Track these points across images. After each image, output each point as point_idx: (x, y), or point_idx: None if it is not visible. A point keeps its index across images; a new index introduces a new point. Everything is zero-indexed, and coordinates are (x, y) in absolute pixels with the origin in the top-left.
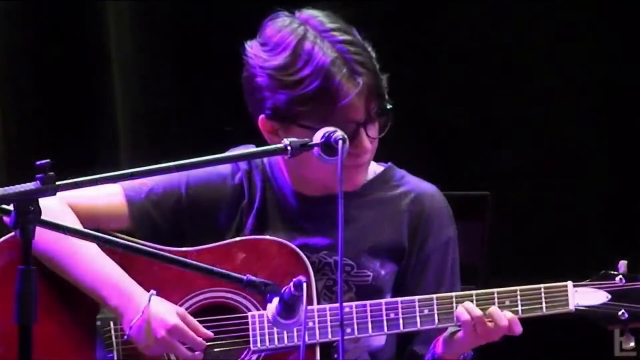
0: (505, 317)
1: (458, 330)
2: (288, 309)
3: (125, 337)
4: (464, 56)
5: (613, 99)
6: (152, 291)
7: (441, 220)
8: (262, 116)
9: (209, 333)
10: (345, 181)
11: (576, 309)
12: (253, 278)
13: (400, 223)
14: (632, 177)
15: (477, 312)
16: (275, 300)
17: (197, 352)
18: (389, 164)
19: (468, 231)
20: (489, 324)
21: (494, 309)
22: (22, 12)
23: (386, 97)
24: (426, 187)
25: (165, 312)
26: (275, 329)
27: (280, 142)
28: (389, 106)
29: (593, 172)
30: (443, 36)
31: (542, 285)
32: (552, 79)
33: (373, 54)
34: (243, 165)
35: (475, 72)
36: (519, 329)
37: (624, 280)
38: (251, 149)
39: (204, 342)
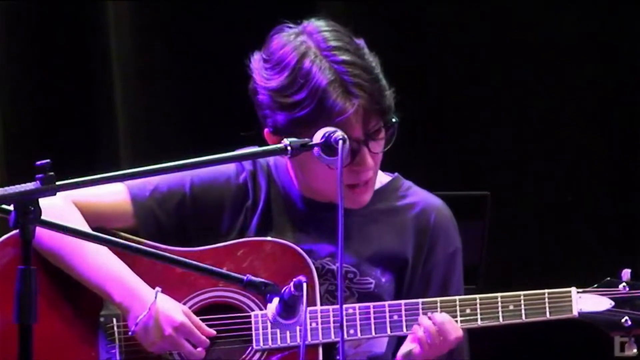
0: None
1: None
2: (288, 309)
3: (131, 332)
4: (464, 56)
5: (614, 99)
6: (158, 288)
7: (447, 233)
8: (266, 130)
9: (212, 331)
10: (351, 199)
11: (580, 315)
12: (253, 278)
13: (404, 234)
14: (633, 177)
15: (432, 327)
16: (276, 300)
17: (199, 349)
18: (396, 174)
19: (468, 231)
20: (439, 338)
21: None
22: (22, 12)
23: (391, 112)
24: (433, 200)
25: (172, 309)
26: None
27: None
28: (393, 120)
29: (593, 172)
30: (443, 36)
31: (546, 291)
32: (552, 79)
33: (377, 69)
34: (247, 165)
35: (475, 72)
36: (459, 333)
37: (627, 288)
38: (252, 148)
39: (207, 340)
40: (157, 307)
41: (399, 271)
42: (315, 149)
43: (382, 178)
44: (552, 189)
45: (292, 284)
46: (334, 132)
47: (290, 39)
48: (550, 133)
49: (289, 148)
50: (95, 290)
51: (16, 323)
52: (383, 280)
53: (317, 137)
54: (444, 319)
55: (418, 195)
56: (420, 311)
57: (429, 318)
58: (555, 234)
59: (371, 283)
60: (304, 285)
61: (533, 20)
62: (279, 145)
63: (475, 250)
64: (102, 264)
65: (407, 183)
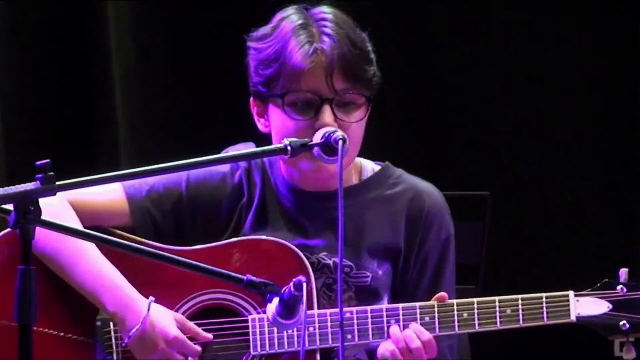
0: (416, 339)
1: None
2: (288, 309)
3: (124, 344)
4: (464, 56)
5: (614, 99)
6: (151, 298)
7: (441, 218)
8: (251, 98)
9: (209, 336)
10: (319, 170)
11: (577, 319)
12: (253, 278)
13: (397, 221)
14: (633, 178)
15: (403, 342)
16: (275, 300)
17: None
18: (386, 163)
19: (468, 231)
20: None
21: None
22: (22, 12)
23: (368, 87)
24: (424, 185)
25: (166, 322)
26: (275, 333)
27: (265, 125)
28: (367, 93)
29: (593, 172)
30: (444, 36)
31: (543, 295)
32: (552, 79)
33: (366, 46)
34: (243, 163)
35: (476, 72)
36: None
37: (624, 290)
38: (250, 149)
39: (200, 349)
40: (150, 320)
41: (396, 261)
42: (315, 148)
43: (373, 166)
44: (552, 189)
45: (292, 284)
46: (334, 132)
47: (289, 10)
48: (550, 133)
49: (289, 148)
50: (90, 299)
51: (16, 323)
52: (380, 272)
53: (317, 137)
54: (417, 344)
55: (409, 181)
56: (418, 315)
57: (405, 340)
58: (555, 234)
59: (367, 276)
60: (304, 285)
61: (533, 21)
62: (278, 145)
63: (475, 250)
64: (97, 272)
65: (398, 171)
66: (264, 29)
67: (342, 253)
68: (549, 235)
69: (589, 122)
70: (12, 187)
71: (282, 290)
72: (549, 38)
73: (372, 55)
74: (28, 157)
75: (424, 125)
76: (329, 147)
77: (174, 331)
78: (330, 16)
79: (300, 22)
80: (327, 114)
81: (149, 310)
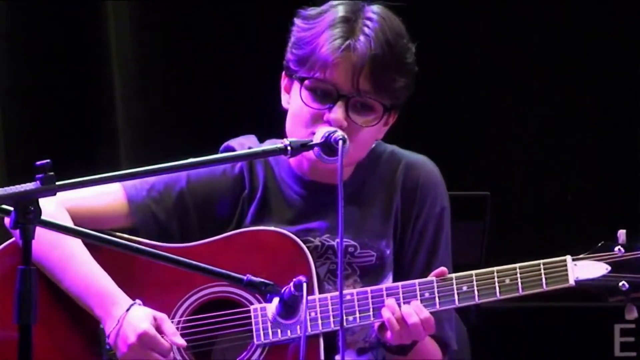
0: (415, 315)
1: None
2: (288, 309)
3: (108, 346)
4: (465, 57)
5: (613, 99)
6: (138, 301)
7: (435, 190)
8: (283, 71)
9: (183, 342)
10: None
11: (576, 283)
12: (253, 278)
13: (394, 195)
14: (633, 178)
15: (398, 312)
16: (276, 300)
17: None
18: (378, 140)
19: (468, 231)
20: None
21: (406, 308)
22: (22, 12)
23: (393, 98)
24: (418, 157)
25: (138, 318)
26: None
27: (287, 101)
28: (387, 102)
29: (593, 172)
30: (445, 37)
31: (541, 261)
32: (552, 79)
33: (407, 58)
34: None
35: (476, 72)
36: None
37: (622, 251)
38: (250, 149)
39: (170, 349)
40: (126, 318)
41: (395, 236)
42: (315, 148)
43: None
44: (552, 189)
45: (292, 284)
46: (334, 132)
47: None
48: (550, 133)
49: (289, 148)
50: (79, 303)
51: (16, 323)
52: (387, 251)
53: (317, 137)
54: (415, 320)
55: (402, 154)
56: (418, 292)
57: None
58: (555, 234)
59: (372, 256)
60: (304, 285)
61: (533, 21)
62: (278, 145)
63: (475, 250)
64: (85, 276)
65: (390, 146)
66: (312, 10)
67: (341, 254)
68: (549, 235)
69: (589, 122)
70: (12, 187)
71: (282, 290)
72: (550, 38)
73: (410, 68)
74: (28, 157)
75: (424, 125)
76: (329, 147)
77: (144, 325)
78: (377, 17)
79: (344, 14)
80: (339, 110)
81: (128, 310)
